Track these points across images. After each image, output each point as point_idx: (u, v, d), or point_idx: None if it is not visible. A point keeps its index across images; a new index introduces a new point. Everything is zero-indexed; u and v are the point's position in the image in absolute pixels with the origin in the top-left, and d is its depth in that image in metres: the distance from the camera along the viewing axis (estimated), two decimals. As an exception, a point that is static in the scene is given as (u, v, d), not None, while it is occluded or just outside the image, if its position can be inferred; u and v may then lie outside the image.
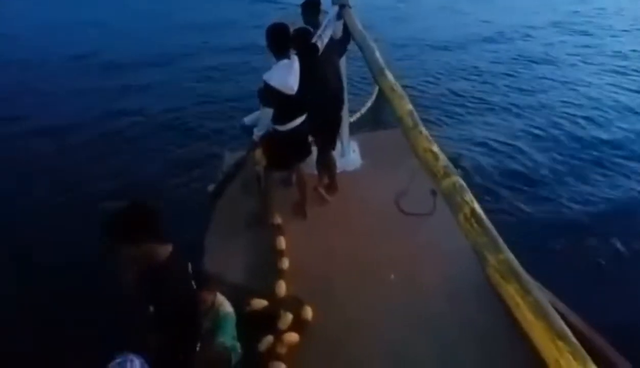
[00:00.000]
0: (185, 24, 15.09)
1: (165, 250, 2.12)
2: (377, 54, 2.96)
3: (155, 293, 2.09)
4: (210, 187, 4.62)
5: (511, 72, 9.91)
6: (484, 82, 9.52)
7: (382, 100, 4.00)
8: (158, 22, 15.48)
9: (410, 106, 2.32)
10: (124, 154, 7.23)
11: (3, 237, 5.14)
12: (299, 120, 3.68)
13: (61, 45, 13.10)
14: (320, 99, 3.97)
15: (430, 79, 9.99)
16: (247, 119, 3.84)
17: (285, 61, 3.46)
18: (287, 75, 3.42)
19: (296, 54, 3.56)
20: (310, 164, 4.31)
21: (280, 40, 3.46)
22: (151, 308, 2.14)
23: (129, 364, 1.81)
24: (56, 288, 4.29)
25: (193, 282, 2.29)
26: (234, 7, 16.95)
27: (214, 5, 17.32)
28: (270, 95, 3.45)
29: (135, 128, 8.21)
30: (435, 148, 1.97)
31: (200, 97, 9.56)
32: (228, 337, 2.68)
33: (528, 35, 12.52)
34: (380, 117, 6.35)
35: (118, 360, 1.81)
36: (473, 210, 1.57)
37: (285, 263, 3.58)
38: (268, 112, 3.54)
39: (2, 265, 4.78)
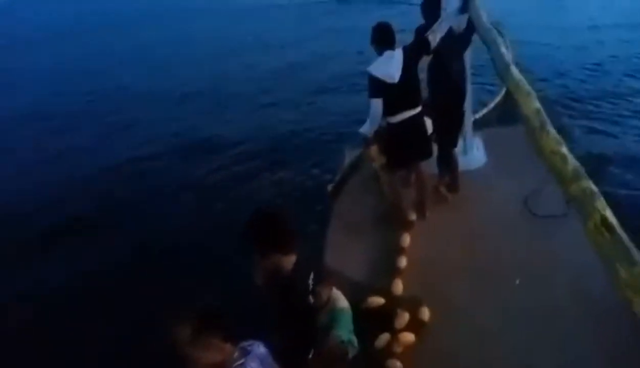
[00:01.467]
0: (324, 30, 15.87)
1: (289, 262, 2.24)
2: (503, 49, 2.80)
3: (277, 301, 2.27)
4: (330, 185, 4.79)
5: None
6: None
7: (510, 97, 3.79)
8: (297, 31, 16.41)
9: (537, 104, 2.17)
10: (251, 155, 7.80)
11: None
12: (411, 112, 3.71)
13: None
14: (441, 92, 3.95)
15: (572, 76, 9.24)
16: (364, 128, 3.92)
17: (387, 52, 3.60)
18: (387, 65, 3.57)
19: (404, 48, 3.62)
20: (430, 163, 4.24)
21: (383, 35, 3.64)
22: (273, 312, 2.34)
23: (255, 347, 1.97)
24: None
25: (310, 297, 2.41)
26: (360, 16, 17.28)
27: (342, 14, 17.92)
28: (375, 86, 3.61)
29: (262, 130, 8.79)
30: (564, 150, 1.82)
31: (323, 99, 9.96)
32: (345, 331, 2.75)
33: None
34: (507, 114, 5.98)
35: (248, 343, 1.98)
36: (604, 218, 1.43)
37: (403, 261, 3.58)
38: (376, 105, 3.63)
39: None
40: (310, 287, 2.39)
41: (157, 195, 6.89)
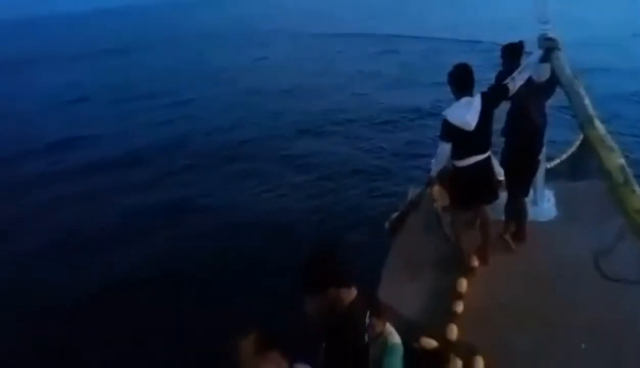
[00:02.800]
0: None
1: (350, 294, 2.22)
2: (587, 101, 2.75)
3: (331, 337, 2.25)
4: (388, 222, 4.78)
5: None
6: None
7: (586, 149, 3.68)
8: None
9: (621, 160, 2.11)
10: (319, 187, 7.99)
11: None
12: (480, 157, 3.65)
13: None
14: (517, 139, 3.90)
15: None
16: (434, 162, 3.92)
17: (466, 99, 3.54)
18: (465, 112, 3.49)
19: (482, 94, 3.57)
20: (497, 209, 4.14)
21: (462, 79, 3.56)
22: (323, 345, 2.31)
23: None
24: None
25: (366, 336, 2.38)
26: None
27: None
28: (448, 131, 3.56)
29: (327, 166, 9.00)
30: (650, 209, 1.76)
31: (388, 137, 10.09)
32: (395, 368, 2.71)
33: None
34: (581, 167, 5.76)
35: (301, 365, 2.00)
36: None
37: (459, 306, 3.49)
38: (444, 148, 3.63)
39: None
40: (366, 321, 2.38)
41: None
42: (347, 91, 15.08)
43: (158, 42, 36.92)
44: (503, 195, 4.07)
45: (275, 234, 6.51)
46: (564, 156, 6.13)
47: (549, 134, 4.16)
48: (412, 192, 5.21)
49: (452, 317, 3.40)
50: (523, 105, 3.80)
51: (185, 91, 17.46)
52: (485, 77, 4.09)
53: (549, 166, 5.49)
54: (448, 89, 3.65)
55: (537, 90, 3.83)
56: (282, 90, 15.94)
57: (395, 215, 4.89)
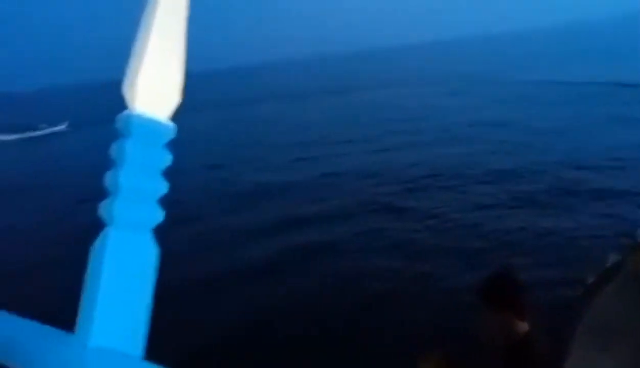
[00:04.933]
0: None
1: (522, 327, 2.14)
2: None
3: (505, 361, 2.17)
4: (582, 286, 4.40)
5: None
6: None
7: None
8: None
9: None
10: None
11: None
12: None
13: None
14: None
15: None
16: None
17: None
18: None
19: None
20: None
21: None
22: None
23: None
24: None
25: None
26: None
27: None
28: None
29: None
30: None
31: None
32: None
33: None
34: None
35: None
36: None
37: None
38: None
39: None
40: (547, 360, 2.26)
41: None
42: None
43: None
44: None
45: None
46: None
47: None
48: (613, 257, 4.71)
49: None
50: None
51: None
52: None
53: None
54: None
55: None
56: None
57: (591, 279, 4.48)
